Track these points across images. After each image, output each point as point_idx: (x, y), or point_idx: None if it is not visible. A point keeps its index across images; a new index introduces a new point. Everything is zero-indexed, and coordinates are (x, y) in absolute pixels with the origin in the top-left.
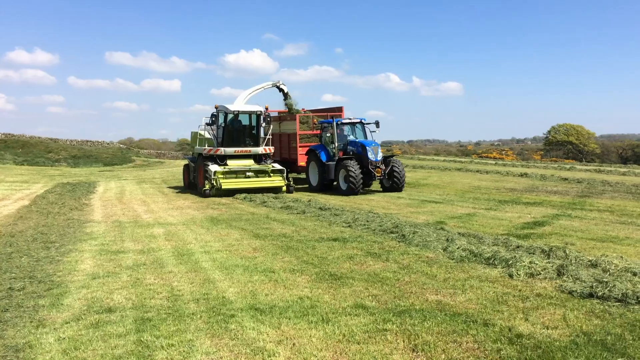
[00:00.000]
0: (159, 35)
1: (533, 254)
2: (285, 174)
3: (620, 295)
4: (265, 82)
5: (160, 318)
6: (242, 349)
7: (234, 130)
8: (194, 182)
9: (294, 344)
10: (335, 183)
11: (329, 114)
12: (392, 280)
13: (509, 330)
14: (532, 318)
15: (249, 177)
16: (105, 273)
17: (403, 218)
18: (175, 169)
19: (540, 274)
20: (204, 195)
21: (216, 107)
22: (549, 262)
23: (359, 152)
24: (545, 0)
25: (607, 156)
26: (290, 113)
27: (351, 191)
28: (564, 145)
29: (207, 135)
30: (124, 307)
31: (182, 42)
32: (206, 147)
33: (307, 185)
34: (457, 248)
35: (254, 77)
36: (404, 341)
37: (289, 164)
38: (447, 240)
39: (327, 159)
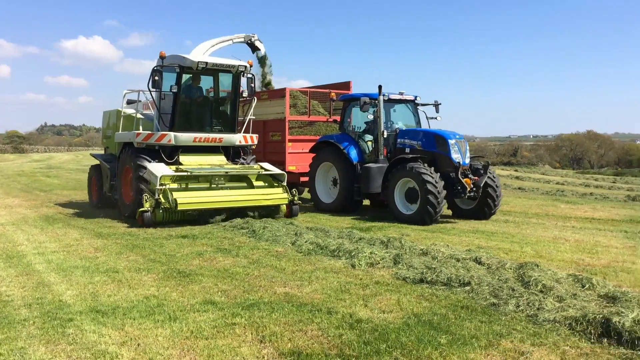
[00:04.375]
0: None
1: (373, 245)
2: (286, 182)
3: (445, 280)
4: (235, 34)
5: None
6: (82, 353)
7: (193, 103)
8: (112, 197)
9: (138, 344)
10: (373, 200)
11: (332, 91)
12: (242, 275)
13: (350, 316)
14: (371, 304)
15: (221, 187)
16: None
17: None
18: (3, 164)
19: (379, 263)
20: (143, 223)
21: (162, 57)
22: (387, 252)
23: (431, 148)
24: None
25: None
26: (266, 89)
27: (429, 216)
28: None
29: (139, 115)
30: None
31: (10, 23)
32: (141, 130)
33: (309, 203)
34: (305, 242)
35: (95, 66)
36: (252, 333)
37: None
38: (296, 234)
39: (361, 159)
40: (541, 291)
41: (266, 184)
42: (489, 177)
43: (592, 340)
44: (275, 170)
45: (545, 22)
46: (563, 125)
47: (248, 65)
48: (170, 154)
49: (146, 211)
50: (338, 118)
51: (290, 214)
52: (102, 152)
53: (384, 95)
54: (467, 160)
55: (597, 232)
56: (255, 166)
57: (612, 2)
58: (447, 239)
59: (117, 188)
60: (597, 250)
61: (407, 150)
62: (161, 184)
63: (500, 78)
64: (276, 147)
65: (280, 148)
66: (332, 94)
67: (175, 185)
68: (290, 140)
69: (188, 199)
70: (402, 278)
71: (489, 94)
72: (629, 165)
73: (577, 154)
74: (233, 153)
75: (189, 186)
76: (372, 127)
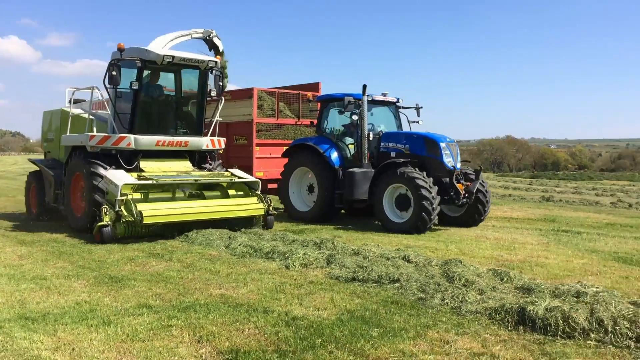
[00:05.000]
0: None
1: (307, 246)
2: (260, 190)
3: (376, 277)
4: (193, 29)
5: None
6: (14, 359)
7: (154, 102)
8: (56, 207)
9: (73, 349)
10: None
11: (301, 92)
12: (176, 278)
13: (286, 314)
14: (306, 302)
15: (188, 197)
16: None
17: None
18: None
19: (313, 263)
20: (101, 239)
21: (121, 49)
22: (320, 253)
23: (420, 152)
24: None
25: None
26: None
27: (423, 223)
28: None
29: (90, 116)
30: None
31: None
32: (94, 132)
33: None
34: (239, 245)
35: (11, 67)
36: (189, 334)
37: None
38: (229, 238)
39: (342, 164)
40: (464, 285)
41: (238, 193)
42: (480, 184)
43: (509, 328)
44: (248, 177)
45: (465, 32)
46: (484, 131)
47: (218, 61)
48: (128, 159)
49: (106, 226)
50: (307, 121)
51: (267, 225)
52: (40, 157)
53: (367, 96)
54: (459, 165)
55: (514, 231)
56: (226, 173)
57: (528, 14)
58: (377, 239)
59: (64, 198)
60: (514, 247)
61: (393, 154)
62: (122, 194)
63: (425, 84)
64: (241, 152)
65: (246, 152)
66: (309, 94)
67: (138, 196)
68: (257, 144)
69: (154, 211)
70: (335, 277)
71: (413, 99)
72: (544, 169)
73: (497, 158)
74: (198, 158)
75: (152, 196)
76: (351, 129)
